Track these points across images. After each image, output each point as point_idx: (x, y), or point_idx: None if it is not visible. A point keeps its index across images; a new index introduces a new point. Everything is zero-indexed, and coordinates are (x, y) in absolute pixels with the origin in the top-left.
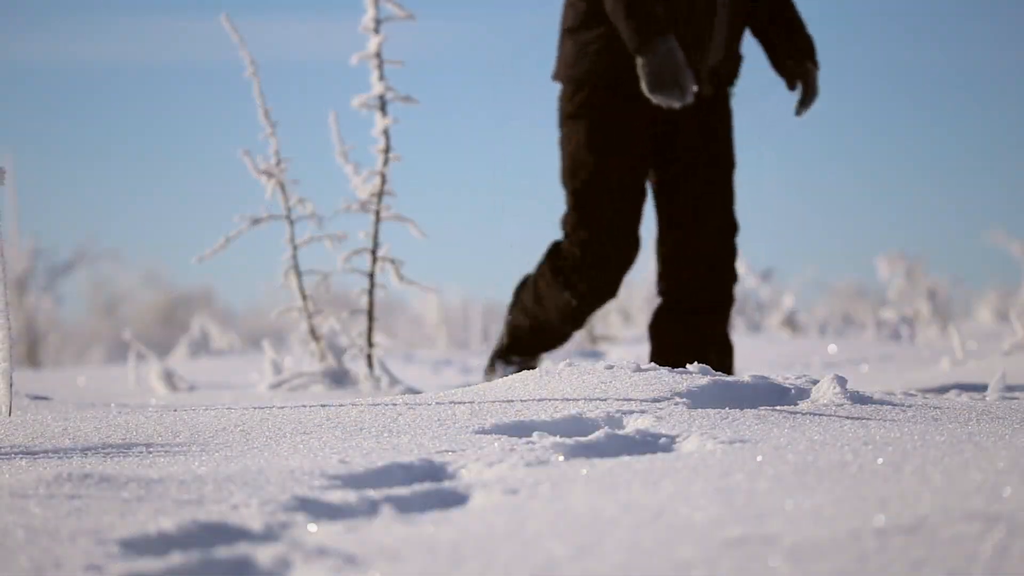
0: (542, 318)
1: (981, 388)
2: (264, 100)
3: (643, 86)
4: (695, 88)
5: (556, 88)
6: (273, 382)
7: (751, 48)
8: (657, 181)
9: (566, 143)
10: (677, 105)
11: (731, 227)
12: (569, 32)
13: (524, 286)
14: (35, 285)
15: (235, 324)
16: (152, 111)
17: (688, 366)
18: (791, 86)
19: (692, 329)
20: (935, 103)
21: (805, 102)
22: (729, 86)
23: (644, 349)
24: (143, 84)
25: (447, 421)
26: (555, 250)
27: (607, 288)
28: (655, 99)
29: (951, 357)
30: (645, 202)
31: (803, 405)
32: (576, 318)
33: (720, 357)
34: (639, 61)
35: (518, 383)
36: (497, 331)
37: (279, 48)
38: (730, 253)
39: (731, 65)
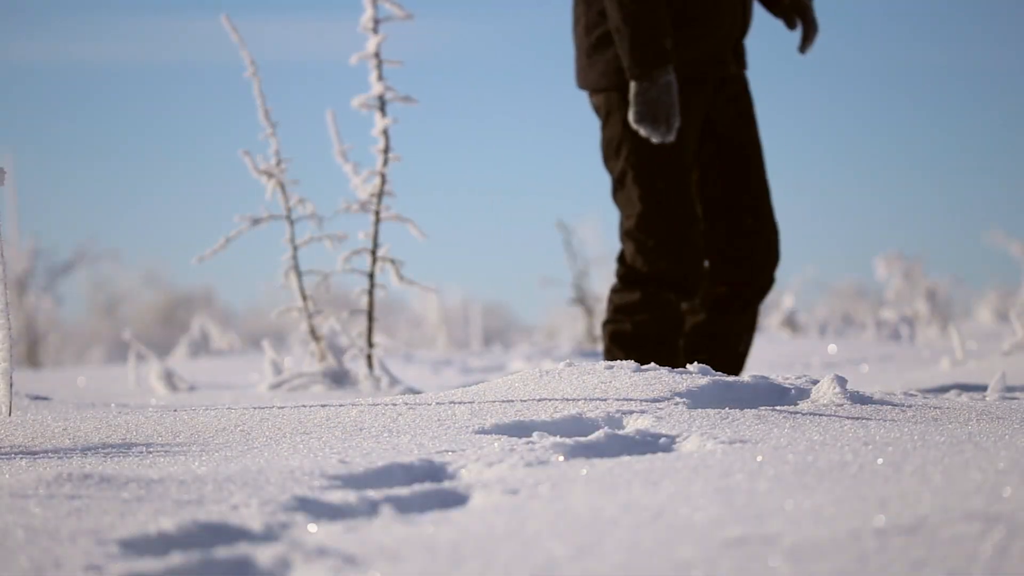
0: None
1: (981, 388)
2: (264, 100)
3: (630, 113)
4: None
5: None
6: (273, 382)
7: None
8: (700, 167)
9: (627, 155)
10: (656, 141)
11: (772, 210)
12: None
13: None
14: (35, 285)
15: (235, 324)
16: (152, 111)
17: (688, 366)
18: (790, 25)
19: (748, 320)
20: (935, 103)
21: (808, 38)
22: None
23: None
24: (143, 84)
25: (447, 421)
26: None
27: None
28: (637, 128)
29: (951, 357)
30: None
31: (803, 405)
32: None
33: (747, 346)
34: (632, 86)
35: (518, 383)
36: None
37: (279, 48)
38: (778, 236)
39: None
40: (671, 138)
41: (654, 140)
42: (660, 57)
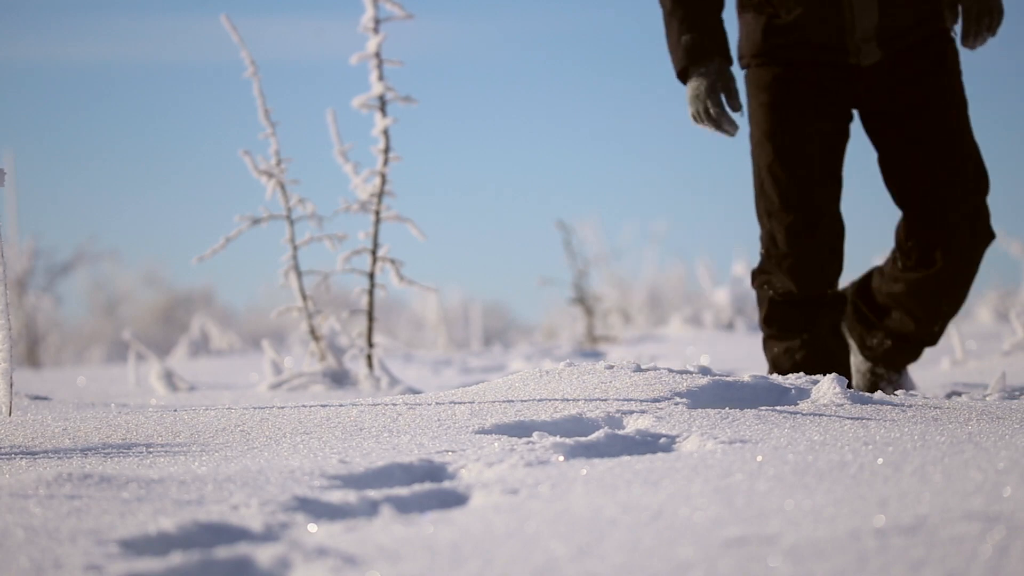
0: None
1: (981, 388)
2: (264, 100)
3: None
4: (739, 112)
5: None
6: (273, 382)
7: None
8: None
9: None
10: (722, 135)
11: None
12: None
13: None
14: (35, 285)
15: (235, 324)
16: (152, 111)
17: (687, 366)
18: (960, 22)
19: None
20: None
21: (969, 30)
22: (915, 38)
23: (644, 349)
24: (143, 84)
25: (447, 421)
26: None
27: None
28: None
29: (951, 357)
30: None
31: (803, 405)
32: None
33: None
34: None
35: (518, 383)
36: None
37: (279, 48)
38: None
39: (907, 14)
40: (729, 130)
41: (721, 135)
42: (690, 54)
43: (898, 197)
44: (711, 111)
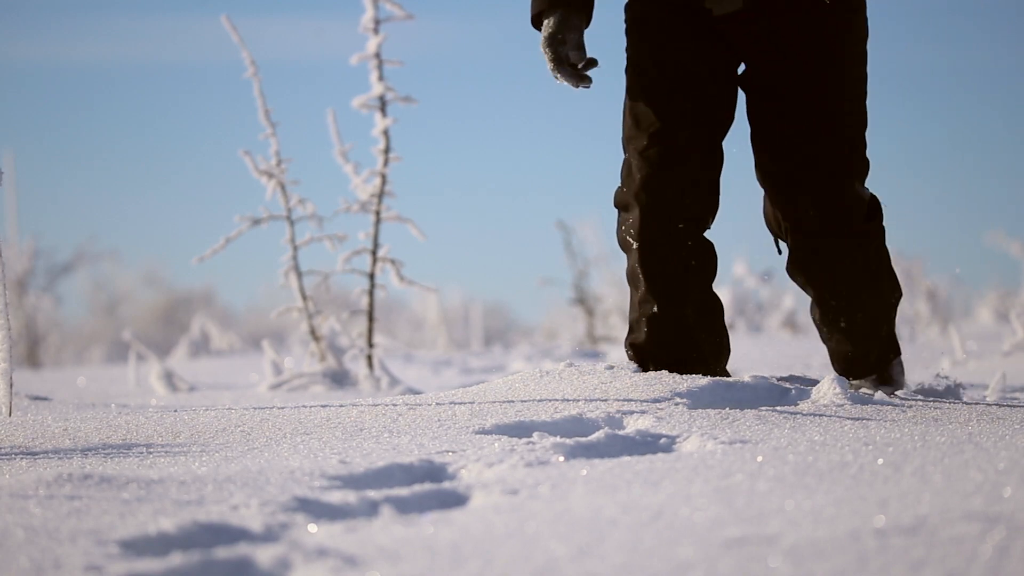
0: None
1: (981, 388)
2: (264, 100)
3: None
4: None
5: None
6: (273, 382)
7: None
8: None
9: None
10: (575, 87)
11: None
12: None
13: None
14: (35, 285)
15: (235, 324)
16: (152, 111)
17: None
18: None
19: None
20: (934, 103)
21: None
22: None
23: None
24: (143, 84)
25: (447, 421)
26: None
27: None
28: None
29: (951, 357)
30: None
31: (803, 405)
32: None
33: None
34: None
35: (518, 383)
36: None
37: (279, 48)
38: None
39: None
40: (579, 81)
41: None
42: (539, 2)
43: (759, 174)
44: (548, 64)
